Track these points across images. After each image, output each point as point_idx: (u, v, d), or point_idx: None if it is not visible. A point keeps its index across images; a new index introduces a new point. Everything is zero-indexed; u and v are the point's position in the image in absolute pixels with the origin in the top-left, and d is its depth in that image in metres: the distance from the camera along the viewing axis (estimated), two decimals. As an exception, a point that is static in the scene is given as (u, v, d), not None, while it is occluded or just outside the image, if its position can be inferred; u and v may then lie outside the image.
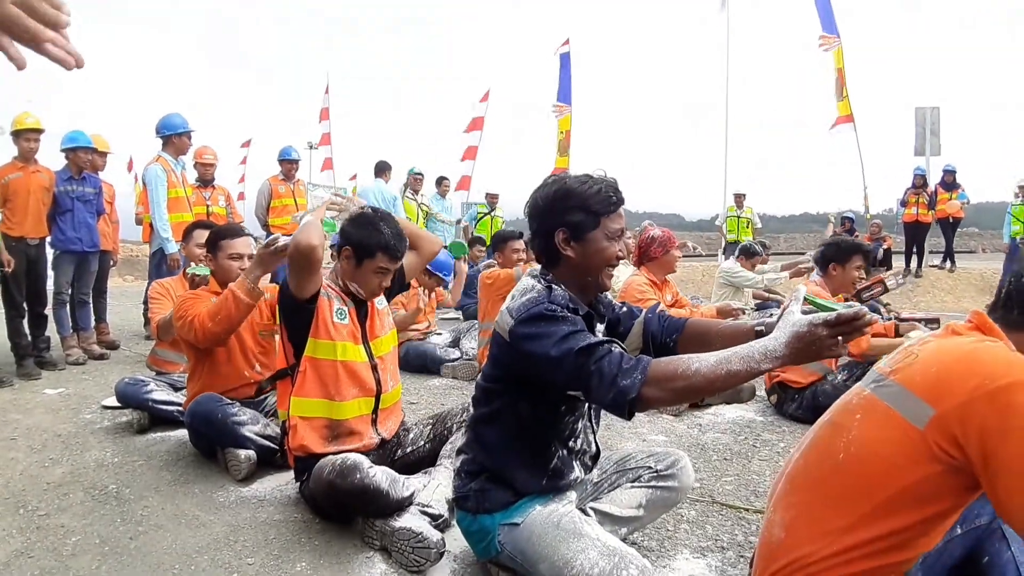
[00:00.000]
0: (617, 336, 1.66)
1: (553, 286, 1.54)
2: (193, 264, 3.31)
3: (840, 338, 1.17)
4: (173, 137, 4.97)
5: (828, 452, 1.20)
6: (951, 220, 9.86)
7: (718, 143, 12.22)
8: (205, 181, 5.59)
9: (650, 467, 1.80)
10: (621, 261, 1.62)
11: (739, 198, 10.37)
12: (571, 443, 1.63)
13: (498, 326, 1.54)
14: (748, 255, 6.16)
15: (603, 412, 1.76)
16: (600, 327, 1.66)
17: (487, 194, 9.12)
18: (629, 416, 1.32)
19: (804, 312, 1.22)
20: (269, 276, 2.70)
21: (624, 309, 1.76)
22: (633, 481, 1.80)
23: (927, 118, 10.52)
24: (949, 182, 9.86)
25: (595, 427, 1.73)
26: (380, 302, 2.26)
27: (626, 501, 1.76)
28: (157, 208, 4.84)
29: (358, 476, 1.81)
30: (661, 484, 1.79)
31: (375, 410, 2.16)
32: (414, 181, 7.75)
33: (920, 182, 9.93)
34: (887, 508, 1.11)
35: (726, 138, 12.35)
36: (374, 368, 2.16)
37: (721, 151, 12.39)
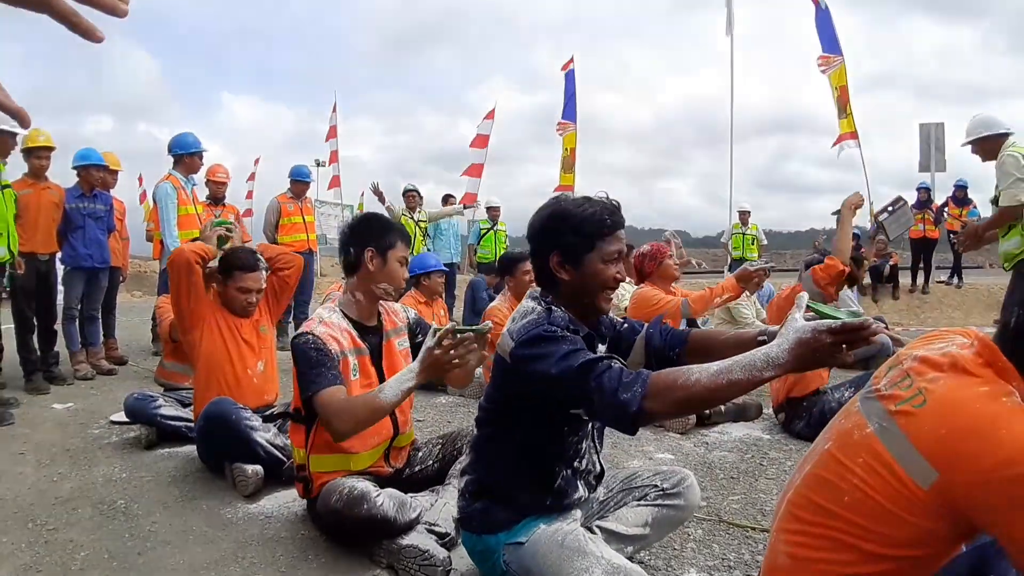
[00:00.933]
0: (620, 353, 1.67)
1: (552, 308, 1.55)
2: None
3: (844, 346, 1.15)
4: (185, 156, 5.02)
5: (832, 490, 1.18)
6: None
7: (723, 160, 12.24)
8: (216, 199, 5.69)
9: (656, 485, 1.80)
10: (622, 281, 1.62)
11: (744, 215, 10.38)
12: (575, 463, 1.63)
13: (500, 349, 1.55)
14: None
15: (606, 432, 1.77)
16: (602, 348, 1.66)
17: (488, 208, 8.97)
18: (633, 431, 1.32)
19: (807, 319, 1.20)
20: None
21: (625, 326, 1.77)
22: (639, 499, 1.79)
23: (932, 134, 10.53)
24: (960, 197, 9.79)
25: (599, 447, 1.73)
26: (401, 343, 2.20)
27: (632, 519, 1.76)
28: (167, 225, 4.89)
29: (365, 507, 1.81)
30: (667, 503, 1.78)
31: (389, 450, 2.14)
32: (409, 199, 7.50)
33: (924, 196, 9.89)
34: (893, 549, 1.10)
35: (731, 155, 12.39)
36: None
37: (726, 168, 12.42)
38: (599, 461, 1.73)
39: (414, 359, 1.99)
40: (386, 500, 1.83)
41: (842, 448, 1.19)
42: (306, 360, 1.91)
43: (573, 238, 1.54)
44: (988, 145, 3.78)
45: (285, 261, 2.96)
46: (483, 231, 8.84)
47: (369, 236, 2.09)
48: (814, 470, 1.23)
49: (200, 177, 5.35)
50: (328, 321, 2.04)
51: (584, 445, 1.64)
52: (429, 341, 1.71)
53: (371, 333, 2.13)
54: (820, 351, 1.14)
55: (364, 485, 1.88)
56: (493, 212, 8.90)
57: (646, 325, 1.76)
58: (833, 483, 1.17)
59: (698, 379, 1.22)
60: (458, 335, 1.68)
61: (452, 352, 1.68)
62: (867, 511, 1.11)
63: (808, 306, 1.24)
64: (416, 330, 2.26)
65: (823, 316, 1.21)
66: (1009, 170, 3.52)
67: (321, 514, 1.95)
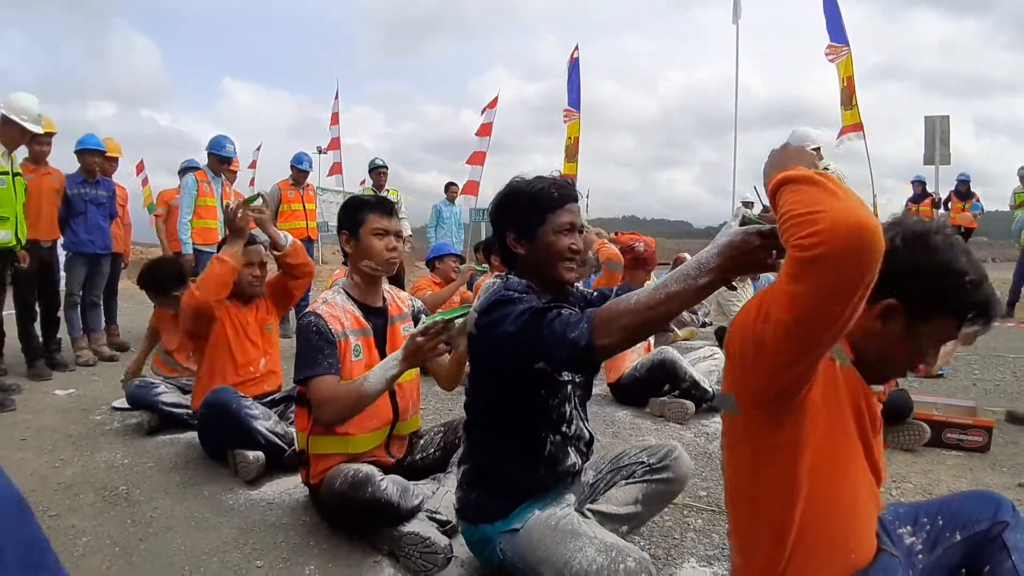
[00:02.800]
0: None
1: (511, 277, 1.60)
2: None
3: (775, 252, 1.14)
4: (212, 155, 5.35)
5: (727, 481, 1.26)
6: (963, 230, 9.78)
7: (727, 150, 12.19)
8: None
9: (643, 462, 1.82)
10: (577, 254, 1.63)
11: (747, 205, 10.33)
12: (563, 428, 1.65)
13: (470, 326, 1.58)
14: None
15: (607, 422, 1.76)
16: None
17: None
18: (587, 367, 1.31)
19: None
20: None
21: (596, 294, 1.79)
22: (628, 478, 1.81)
23: (937, 127, 10.46)
24: (963, 191, 9.78)
25: (583, 414, 1.75)
26: (407, 328, 2.18)
27: (622, 498, 1.77)
28: (181, 210, 5.23)
29: (369, 490, 1.82)
30: (656, 477, 1.80)
31: (389, 436, 2.14)
32: (378, 176, 6.86)
33: (919, 190, 9.88)
34: (779, 499, 1.13)
35: (735, 144, 12.35)
36: (392, 395, 2.09)
37: (729, 158, 12.38)
38: (586, 428, 1.75)
39: None
40: (390, 485, 1.84)
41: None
42: (306, 342, 1.96)
43: (524, 213, 1.59)
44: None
45: (303, 270, 2.91)
46: None
47: (343, 220, 2.12)
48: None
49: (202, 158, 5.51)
50: (331, 302, 2.07)
51: (567, 409, 1.66)
52: (415, 329, 1.78)
53: (376, 315, 2.14)
54: (747, 254, 1.15)
55: (369, 468, 1.90)
56: None
57: (615, 288, 1.80)
58: (725, 474, 1.26)
59: (638, 299, 1.23)
60: (444, 325, 1.74)
61: (434, 340, 1.75)
62: (740, 475, 1.20)
63: (743, 217, 1.24)
64: (419, 318, 2.26)
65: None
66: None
67: (325, 498, 1.95)
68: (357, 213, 2.09)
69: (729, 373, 1.15)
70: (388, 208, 2.12)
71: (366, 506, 1.82)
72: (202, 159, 5.39)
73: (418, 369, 2.19)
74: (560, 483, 1.66)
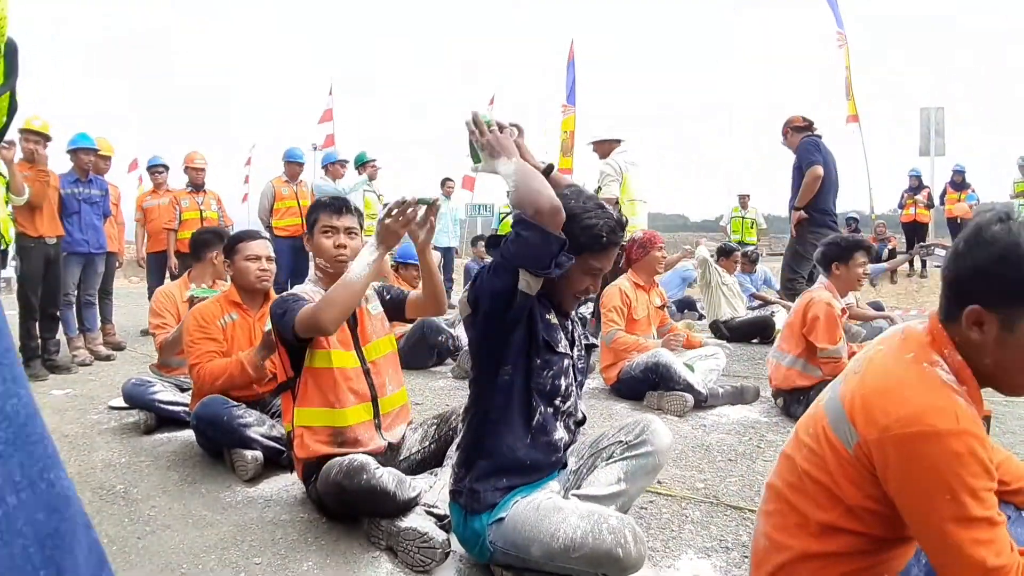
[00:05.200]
0: None
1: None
2: (195, 286, 3.30)
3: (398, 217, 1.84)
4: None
5: (792, 465, 1.22)
6: (959, 221, 9.82)
7: (724, 143, 12.17)
8: (196, 186, 5.76)
9: (621, 441, 1.83)
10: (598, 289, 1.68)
11: (744, 199, 10.32)
12: (556, 401, 1.67)
13: (462, 312, 1.67)
14: (726, 254, 6.50)
15: (602, 415, 1.76)
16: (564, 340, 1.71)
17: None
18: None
19: None
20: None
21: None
22: (607, 459, 1.82)
23: (932, 118, 10.48)
24: (958, 182, 9.83)
25: (579, 392, 1.78)
26: (374, 307, 2.23)
27: (605, 479, 1.78)
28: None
29: (365, 477, 1.82)
30: (634, 453, 1.80)
31: (376, 415, 2.15)
32: (372, 170, 6.70)
33: (915, 183, 9.95)
34: (841, 522, 1.12)
35: (731, 139, 12.32)
36: (367, 373, 2.12)
37: (727, 152, 12.36)
38: (579, 407, 1.78)
39: (389, 321, 2.24)
40: (386, 474, 1.84)
41: (802, 425, 1.24)
42: (281, 305, 2.02)
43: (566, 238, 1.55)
44: (603, 147, 4.85)
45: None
46: (503, 216, 8.74)
47: (307, 225, 2.24)
48: (785, 449, 1.28)
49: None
50: (300, 288, 2.16)
51: (562, 383, 1.67)
52: (380, 214, 1.95)
53: None
54: (385, 230, 1.87)
55: (364, 457, 1.91)
56: None
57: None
58: (795, 456, 1.22)
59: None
60: (404, 203, 1.89)
61: (400, 219, 1.90)
62: (815, 480, 1.15)
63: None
64: (384, 293, 2.32)
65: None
66: (608, 171, 4.70)
67: (321, 489, 1.96)
68: (312, 214, 2.21)
69: (862, 420, 1.08)
70: (338, 207, 2.18)
71: (362, 494, 1.82)
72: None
73: (391, 345, 2.26)
74: (546, 457, 1.67)
